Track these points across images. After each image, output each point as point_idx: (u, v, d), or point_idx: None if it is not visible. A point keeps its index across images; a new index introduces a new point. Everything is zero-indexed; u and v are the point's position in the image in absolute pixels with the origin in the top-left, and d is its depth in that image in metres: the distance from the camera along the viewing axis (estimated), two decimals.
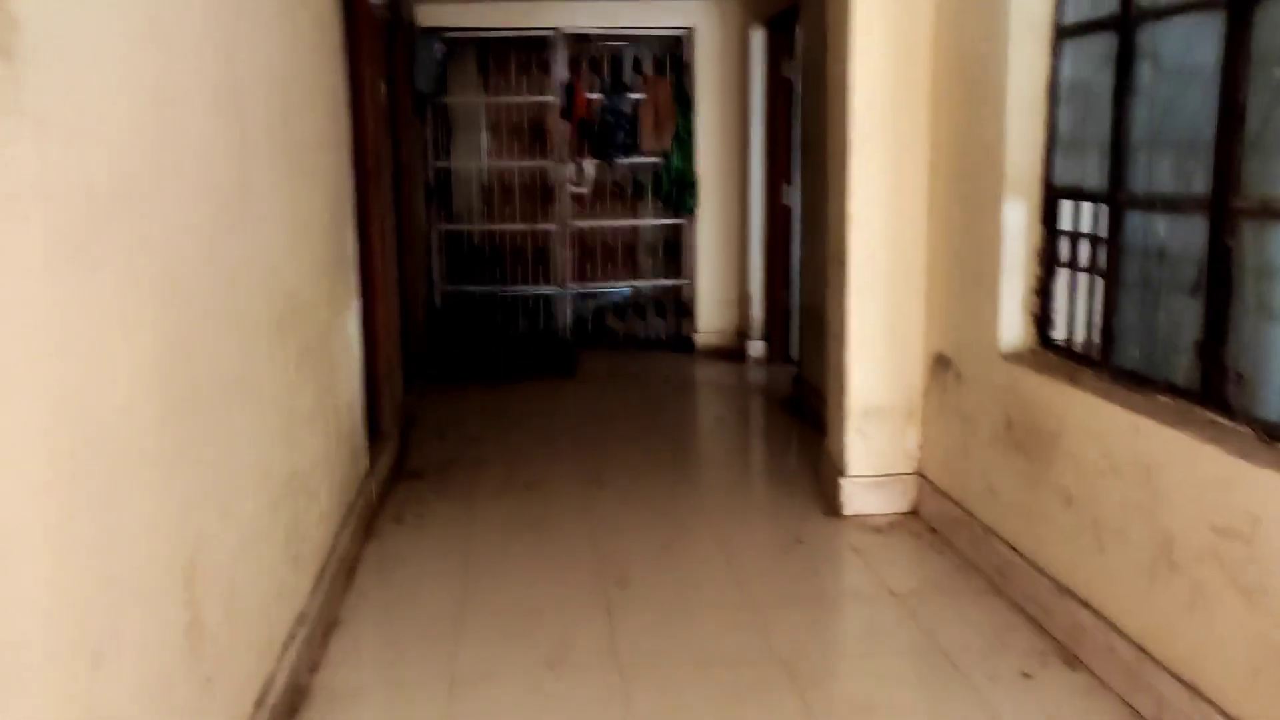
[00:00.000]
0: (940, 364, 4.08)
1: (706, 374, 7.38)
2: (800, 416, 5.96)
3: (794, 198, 7.15)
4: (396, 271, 5.67)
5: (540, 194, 8.04)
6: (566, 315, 7.98)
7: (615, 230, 8.16)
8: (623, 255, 8.14)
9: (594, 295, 8.14)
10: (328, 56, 3.85)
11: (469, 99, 8.00)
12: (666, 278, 8.15)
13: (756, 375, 7.28)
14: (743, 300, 7.73)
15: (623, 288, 8.22)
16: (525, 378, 7.08)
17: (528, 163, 8.00)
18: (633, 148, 7.73)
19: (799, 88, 6.90)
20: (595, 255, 8.17)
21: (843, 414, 4.29)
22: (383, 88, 5.21)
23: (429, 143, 7.59)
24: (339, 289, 3.86)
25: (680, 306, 8.09)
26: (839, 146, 4.23)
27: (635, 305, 8.17)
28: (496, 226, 8.07)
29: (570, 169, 7.80)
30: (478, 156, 8.23)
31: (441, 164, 7.86)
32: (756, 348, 7.53)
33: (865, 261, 4.19)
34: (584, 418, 6.11)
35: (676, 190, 7.77)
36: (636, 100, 7.72)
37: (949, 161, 3.94)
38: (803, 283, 6.24)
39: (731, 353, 7.80)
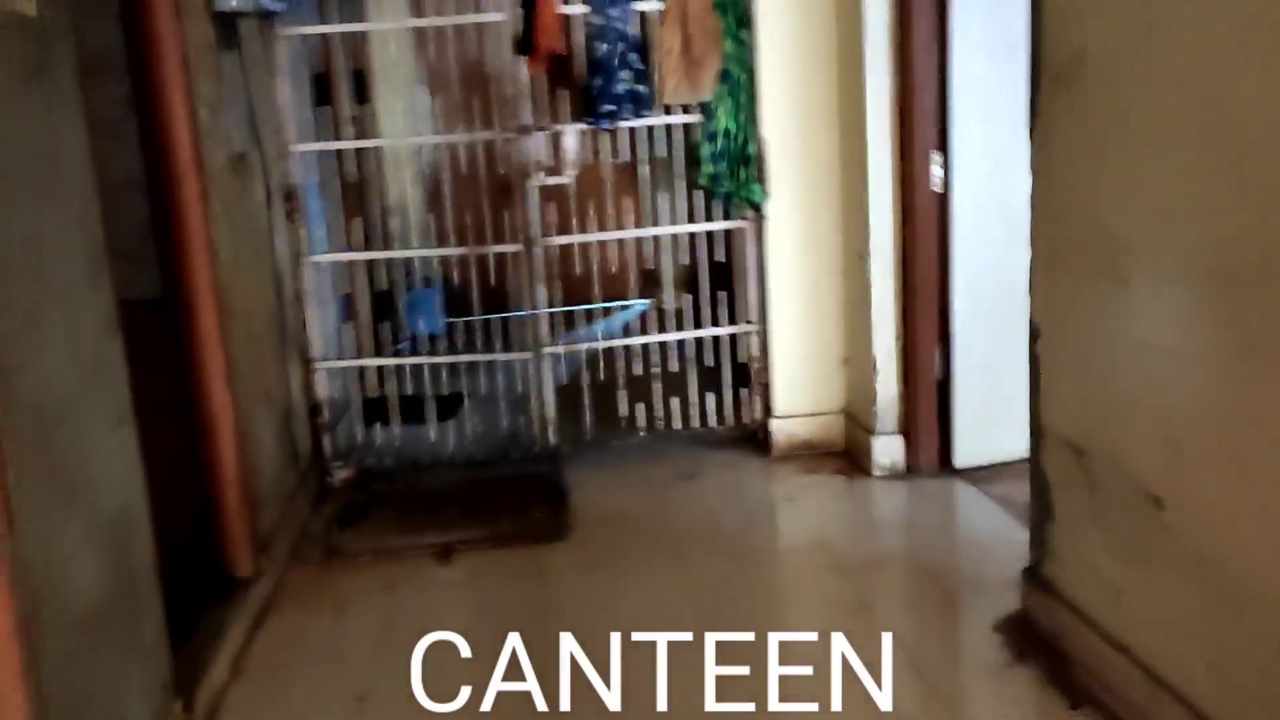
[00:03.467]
0: None
1: (806, 519, 4.00)
2: (1053, 672, 2.68)
3: (954, 179, 3.86)
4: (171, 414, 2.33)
5: (490, 191, 4.65)
6: (545, 389, 4.64)
7: (620, 245, 4.73)
8: (638, 285, 4.72)
9: (581, 332, 4.75)
10: None
11: (343, 27, 4.60)
12: (715, 325, 4.76)
13: (894, 511, 3.96)
14: (858, 363, 4.40)
15: (637, 304, 4.90)
16: (477, 544, 3.77)
17: (462, 136, 4.60)
18: (646, 100, 4.36)
19: None
20: (589, 288, 4.75)
21: None
22: None
23: (283, 108, 4.20)
24: None
25: (740, 373, 4.73)
26: None
27: (665, 372, 4.77)
28: (408, 253, 4.68)
29: (539, 142, 4.42)
30: (408, 126, 4.85)
31: (330, 143, 4.47)
32: (887, 447, 4.22)
33: None
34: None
35: (729, 171, 4.39)
36: (649, 14, 4.34)
37: None
38: (1038, 369, 2.91)
39: (837, 454, 4.49)
